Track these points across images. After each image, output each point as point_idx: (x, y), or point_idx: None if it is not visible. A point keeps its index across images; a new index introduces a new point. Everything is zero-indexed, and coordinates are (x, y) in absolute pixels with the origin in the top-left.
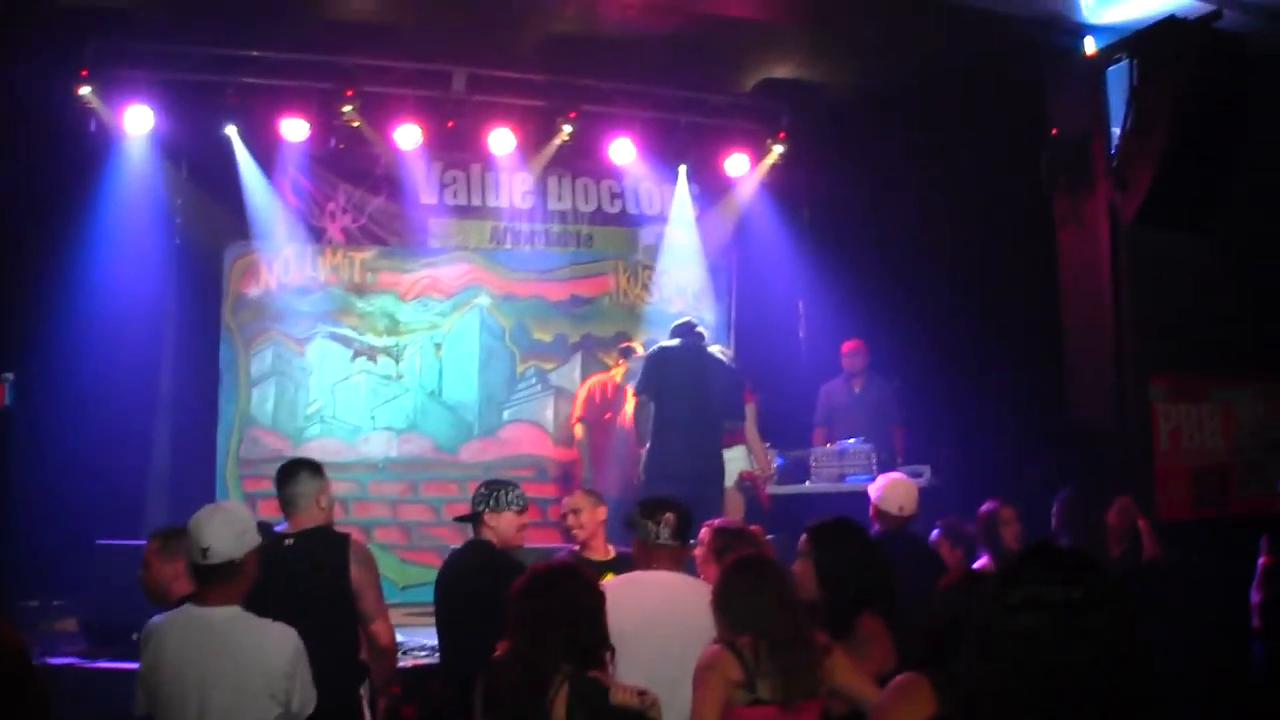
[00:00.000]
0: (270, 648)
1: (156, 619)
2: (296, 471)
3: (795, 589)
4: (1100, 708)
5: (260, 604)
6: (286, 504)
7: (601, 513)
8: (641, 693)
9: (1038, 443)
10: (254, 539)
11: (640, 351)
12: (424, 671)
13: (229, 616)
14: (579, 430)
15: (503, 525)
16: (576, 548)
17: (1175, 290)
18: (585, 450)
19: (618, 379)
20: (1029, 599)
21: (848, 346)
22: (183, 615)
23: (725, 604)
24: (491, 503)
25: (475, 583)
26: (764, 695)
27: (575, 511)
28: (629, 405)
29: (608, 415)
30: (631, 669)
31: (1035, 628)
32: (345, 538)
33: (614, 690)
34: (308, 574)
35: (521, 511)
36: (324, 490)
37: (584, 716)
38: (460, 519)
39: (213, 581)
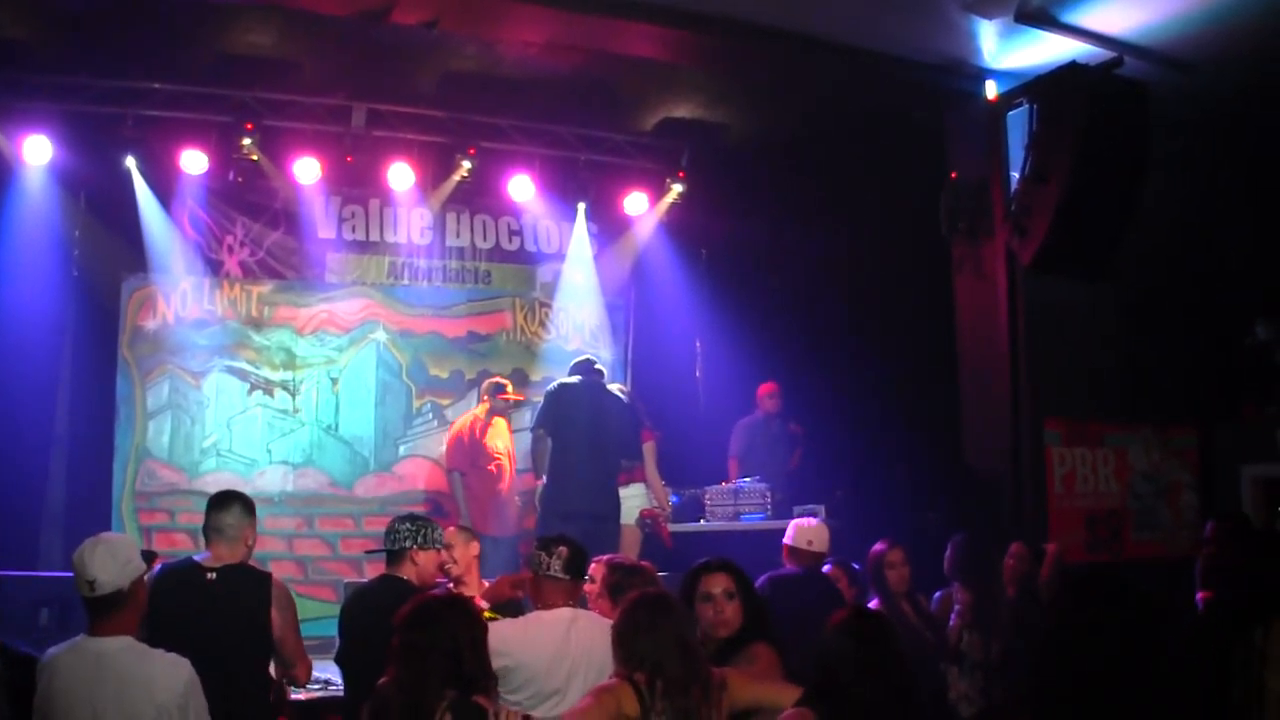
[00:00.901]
0: (158, 678)
1: (53, 649)
2: (231, 503)
3: (695, 628)
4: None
5: (177, 634)
6: (213, 531)
7: (475, 548)
8: (526, 718)
9: (933, 484)
10: (139, 567)
11: (511, 394)
12: (319, 705)
13: (120, 647)
14: (452, 478)
15: (428, 563)
16: (450, 584)
17: (1071, 336)
18: (460, 496)
19: (481, 415)
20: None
21: (768, 388)
22: (76, 646)
23: (625, 640)
24: (420, 539)
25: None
26: None
27: (448, 547)
28: (501, 441)
29: (480, 456)
30: (540, 704)
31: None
32: (267, 577)
33: (496, 713)
34: (228, 609)
35: (440, 551)
36: (252, 527)
37: None
38: (375, 553)
39: (102, 613)
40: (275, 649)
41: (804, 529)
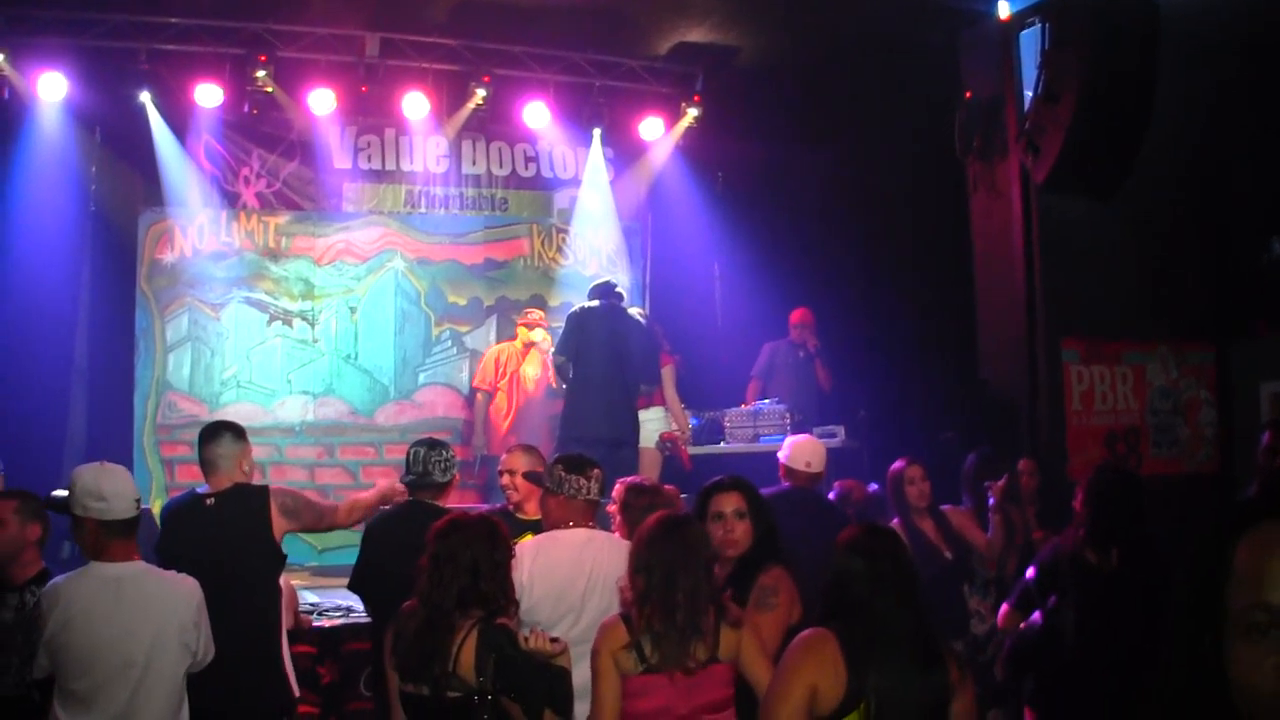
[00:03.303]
0: (180, 599)
1: (59, 579)
2: (220, 433)
3: (708, 550)
4: None
5: (188, 560)
6: (207, 465)
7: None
8: (553, 639)
9: (951, 405)
10: (139, 495)
11: (535, 318)
12: (340, 632)
13: (137, 571)
14: (478, 398)
15: (454, 486)
16: (510, 506)
17: (1087, 254)
18: (480, 416)
19: (518, 346)
20: None
21: (799, 315)
22: (90, 574)
23: (632, 555)
24: (457, 465)
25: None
26: (653, 662)
27: (511, 472)
28: (531, 369)
29: (507, 381)
30: (557, 623)
31: None
32: (264, 488)
33: (527, 635)
34: (231, 529)
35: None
36: (245, 454)
37: (494, 661)
38: (430, 486)
39: (117, 537)
40: (311, 525)
41: (801, 447)
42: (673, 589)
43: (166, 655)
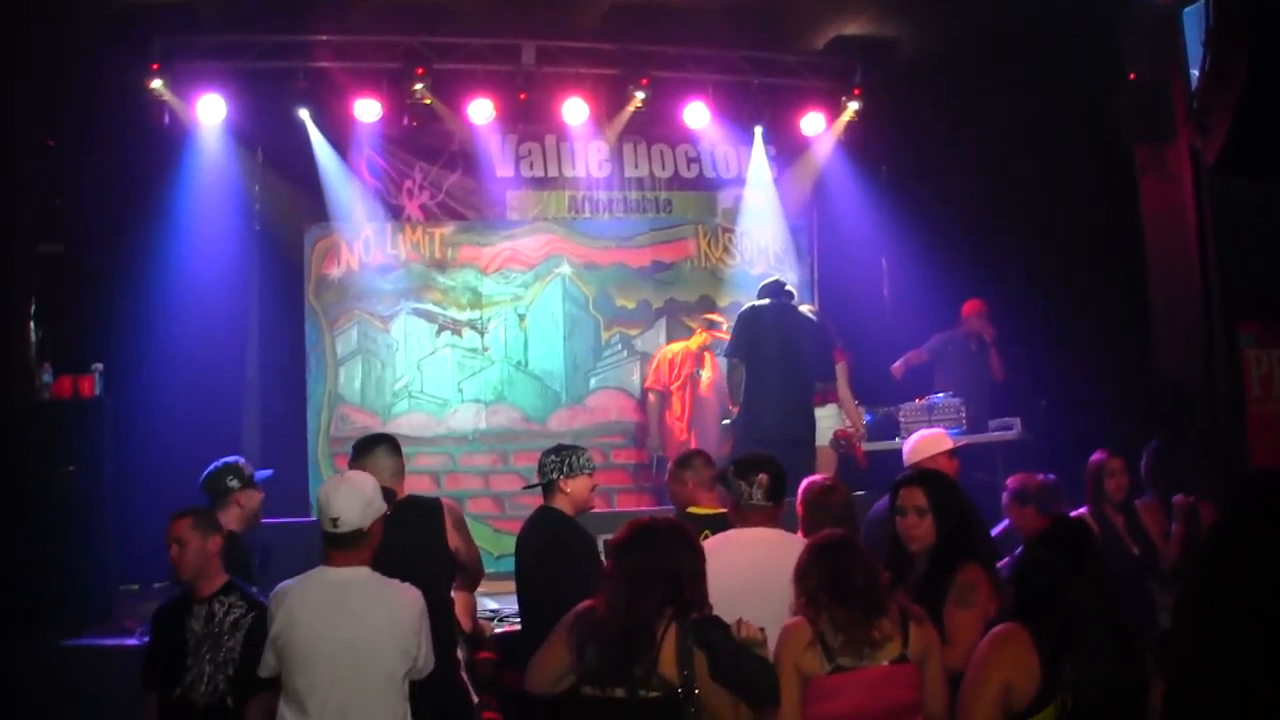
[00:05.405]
0: (401, 606)
1: (288, 582)
2: (376, 445)
3: (871, 557)
4: None
5: None
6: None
7: (707, 474)
8: (761, 629)
9: (1126, 394)
10: (380, 508)
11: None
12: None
13: (361, 578)
14: (651, 399)
15: (580, 490)
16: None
17: (1262, 233)
18: (654, 418)
19: (693, 348)
20: None
21: (975, 305)
22: (316, 577)
23: (802, 565)
24: (565, 469)
25: (555, 558)
26: (836, 647)
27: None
28: (705, 371)
29: (680, 383)
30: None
31: None
32: (437, 501)
33: (738, 625)
34: (406, 536)
35: (592, 474)
36: (402, 466)
37: (709, 654)
38: (531, 487)
39: (342, 547)
40: (459, 566)
41: (916, 448)
42: (846, 575)
43: (382, 660)
